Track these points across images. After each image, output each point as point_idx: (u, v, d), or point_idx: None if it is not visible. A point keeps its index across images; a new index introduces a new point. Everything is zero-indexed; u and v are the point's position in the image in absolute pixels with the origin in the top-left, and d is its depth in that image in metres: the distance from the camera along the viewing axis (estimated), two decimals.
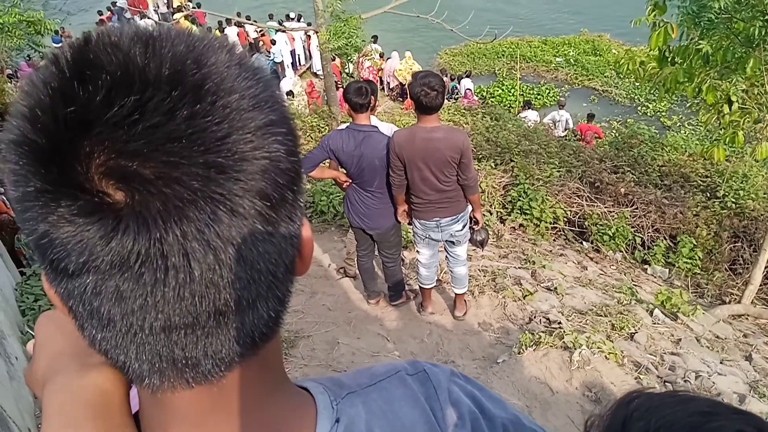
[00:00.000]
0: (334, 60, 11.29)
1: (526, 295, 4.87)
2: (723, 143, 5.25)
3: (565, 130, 11.93)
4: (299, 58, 16.55)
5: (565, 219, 7.38)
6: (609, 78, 16.40)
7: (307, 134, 10.32)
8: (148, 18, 16.08)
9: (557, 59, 17.77)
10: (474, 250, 5.45)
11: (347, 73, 15.56)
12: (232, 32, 15.91)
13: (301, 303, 4.85)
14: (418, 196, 3.87)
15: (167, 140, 0.40)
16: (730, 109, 4.93)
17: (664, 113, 14.81)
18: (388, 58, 15.44)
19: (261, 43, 16.01)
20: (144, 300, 0.42)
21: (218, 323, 0.45)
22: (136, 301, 0.42)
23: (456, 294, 4.55)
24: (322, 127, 10.59)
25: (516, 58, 16.69)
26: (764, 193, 7.61)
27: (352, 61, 14.45)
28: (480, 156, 8.20)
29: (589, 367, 3.64)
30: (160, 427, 0.52)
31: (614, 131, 12.38)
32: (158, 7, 18.30)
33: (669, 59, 5.10)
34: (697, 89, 4.96)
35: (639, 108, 15.26)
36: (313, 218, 6.83)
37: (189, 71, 0.42)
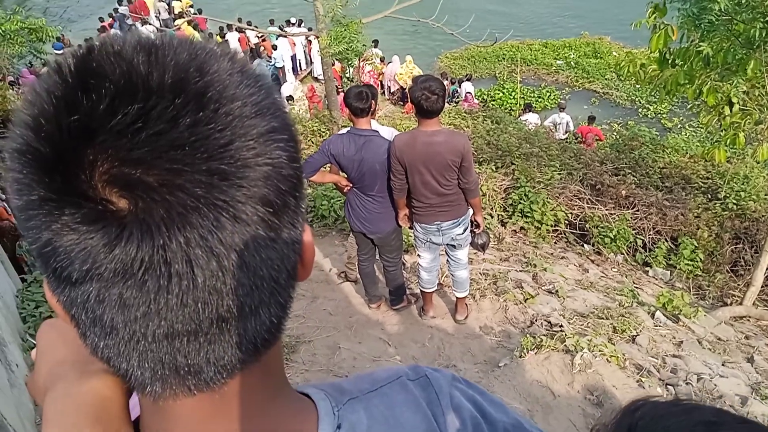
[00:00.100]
0: (333, 65, 11.30)
1: (527, 299, 4.87)
2: (724, 145, 5.25)
3: (566, 132, 11.94)
4: (300, 63, 16.57)
5: (566, 222, 7.37)
6: (610, 80, 16.42)
7: (308, 139, 10.34)
8: (150, 24, 16.11)
9: (558, 62, 17.78)
10: (475, 253, 5.46)
11: (348, 78, 15.58)
12: (233, 38, 15.95)
13: (302, 308, 4.85)
14: (419, 199, 3.87)
15: (170, 148, 0.40)
16: (731, 111, 4.93)
17: (664, 115, 14.81)
18: (388, 63, 15.47)
19: (262, 48, 16.04)
20: (147, 307, 0.42)
21: (221, 330, 0.45)
22: (139, 309, 0.42)
23: (457, 298, 4.55)
24: (323, 132, 10.61)
25: (516, 61, 16.71)
26: (765, 195, 7.61)
27: (353, 66, 14.48)
28: (481, 159, 8.20)
29: (591, 370, 3.63)
30: None
31: (615, 133, 12.38)
32: (159, 13, 18.33)
33: (669, 61, 5.11)
34: (697, 91, 4.96)
35: (640, 110, 15.27)
36: (314, 222, 6.84)
37: (192, 79, 0.42)
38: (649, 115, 14.94)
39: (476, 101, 14.69)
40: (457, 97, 14.49)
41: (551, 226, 7.23)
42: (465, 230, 4.05)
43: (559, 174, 7.90)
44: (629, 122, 13.64)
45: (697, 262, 6.80)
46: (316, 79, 15.63)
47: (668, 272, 6.86)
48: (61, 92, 0.41)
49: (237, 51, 0.50)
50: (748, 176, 7.78)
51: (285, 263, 0.48)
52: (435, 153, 3.63)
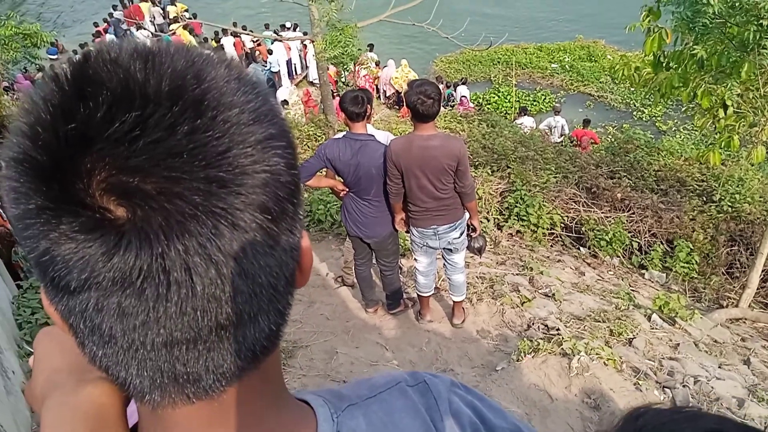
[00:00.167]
0: (327, 69, 11.31)
1: (524, 302, 4.87)
2: (718, 147, 5.28)
3: (561, 135, 11.97)
4: (296, 68, 16.58)
5: (562, 225, 7.39)
6: (604, 83, 16.46)
7: (304, 143, 10.34)
8: (145, 29, 16.08)
9: (553, 65, 17.82)
10: (472, 257, 5.45)
11: (343, 82, 15.59)
12: (228, 42, 15.95)
13: (299, 312, 4.84)
14: (416, 204, 3.88)
15: (168, 155, 0.40)
16: (725, 114, 4.95)
17: (659, 118, 14.86)
18: (384, 66, 15.49)
19: (258, 52, 16.05)
20: (146, 316, 0.42)
21: (220, 338, 0.45)
22: (138, 317, 0.42)
23: (454, 302, 4.55)
24: (319, 136, 10.62)
25: (512, 64, 16.75)
26: (760, 197, 7.63)
27: (348, 70, 14.49)
28: (477, 163, 8.21)
29: (588, 373, 3.63)
30: None
31: (610, 136, 12.41)
32: (154, 18, 18.32)
33: (664, 64, 5.13)
34: (692, 94, 4.98)
35: (634, 113, 15.31)
36: (311, 227, 6.83)
37: (189, 86, 0.42)
38: (643, 118, 14.98)
39: (471, 105, 14.71)
40: (453, 101, 14.51)
41: (547, 229, 7.24)
42: (461, 234, 4.06)
43: (555, 177, 7.92)
44: (624, 125, 13.69)
45: (692, 264, 6.82)
46: (312, 84, 15.63)
47: (664, 275, 6.88)
48: (57, 100, 0.41)
49: (234, 58, 0.50)
50: (742, 178, 7.81)
51: (283, 270, 0.48)
52: (431, 157, 3.63)
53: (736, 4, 4.44)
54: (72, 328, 0.46)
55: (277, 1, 11.83)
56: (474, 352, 4.33)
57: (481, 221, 5.40)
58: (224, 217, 0.41)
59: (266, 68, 15.16)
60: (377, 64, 15.55)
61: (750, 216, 7.26)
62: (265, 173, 0.44)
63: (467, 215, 4.06)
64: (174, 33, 14.27)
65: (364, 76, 14.94)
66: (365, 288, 4.71)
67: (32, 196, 0.40)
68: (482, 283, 5.28)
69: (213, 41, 16.44)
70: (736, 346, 4.96)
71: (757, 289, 6.10)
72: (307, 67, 16.48)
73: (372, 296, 4.76)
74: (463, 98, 14.46)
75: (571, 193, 7.64)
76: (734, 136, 4.99)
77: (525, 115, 13.00)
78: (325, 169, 4.06)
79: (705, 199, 7.79)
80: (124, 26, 17.27)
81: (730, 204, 7.40)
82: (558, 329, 4.32)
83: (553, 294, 5.14)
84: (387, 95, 15.53)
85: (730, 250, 7.07)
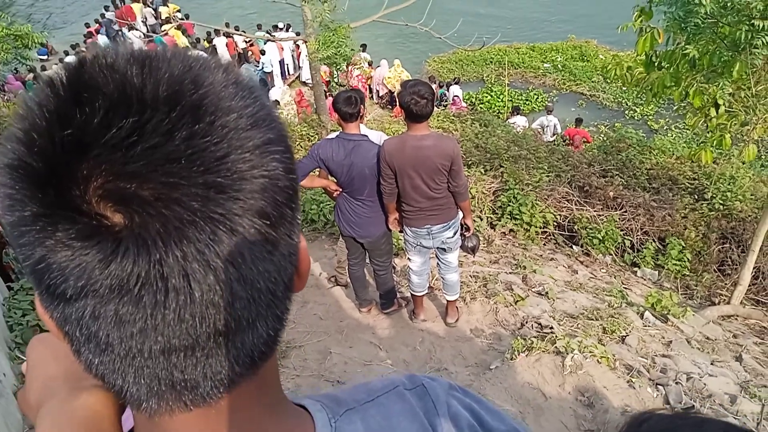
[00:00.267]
0: (320, 69, 11.32)
1: (517, 301, 4.88)
2: (710, 146, 5.30)
3: (554, 135, 12.00)
4: (288, 68, 16.55)
5: (555, 223, 7.41)
6: (596, 83, 16.53)
7: (297, 143, 10.32)
8: (136, 30, 16.01)
9: (545, 65, 17.88)
10: (465, 256, 5.46)
11: (335, 82, 15.58)
12: (220, 43, 15.90)
13: (293, 312, 4.75)
14: (409, 203, 3.88)
15: (166, 161, 0.39)
16: (717, 113, 4.98)
17: (651, 117, 14.93)
18: (377, 67, 15.48)
19: (250, 53, 16.01)
20: (144, 323, 0.42)
21: (218, 344, 0.44)
22: (135, 325, 0.42)
23: (447, 301, 4.55)
24: (312, 136, 10.61)
25: (504, 64, 16.80)
26: (751, 195, 7.68)
27: (340, 70, 14.48)
28: (470, 162, 8.23)
29: (582, 371, 3.65)
30: None
31: (602, 135, 12.47)
32: (146, 18, 18.21)
33: (656, 64, 5.14)
34: (684, 93, 5.00)
35: (626, 112, 15.39)
36: (304, 227, 6.82)
37: (187, 91, 0.42)
38: (635, 117, 15.05)
39: (464, 104, 14.73)
40: (446, 101, 14.53)
41: (540, 228, 7.26)
42: (455, 233, 4.06)
43: (548, 176, 7.94)
44: (616, 124, 13.73)
45: (684, 262, 6.85)
46: (305, 84, 15.62)
47: (656, 272, 6.91)
48: (53, 106, 0.40)
49: (231, 62, 0.50)
50: (734, 177, 7.85)
51: (282, 275, 0.47)
52: (424, 157, 3.63)
53: (728, 4, 4.46)
54: (67, 336, 0.45)
55: (270, 2, 11.80)
56: (468, 351, 4.33)
57: (474, 220, 5.41)
58: (223, 223, 0.41)
59: (259, 69, 15.12)
60: (370, 64, 15.55)
61: (741, 214, 7.30)
62: (263, 178, 0.43)
63: (461, 215, 4.06)
64: (166, 34, 14.23)
65: (357, 76, 14.94)
66: (359, 288, 4.70)
67: (27, 203, 0.40)
68: (476, 282, 5.29)
69: (205, 42, 16.39)
70: (728, 343, 4.99)
71: (749, 285, 6.13)
72: (299, 67, 16.46)
73: (365, 296, 4.76)
74: (455, 98, 14.47)
75: (563, 192, 7.66)
76: (726, 135, 5.01)
77: (517, 114, 13.03)
78: (318, 169, 4.06)
79: (697, 197, 7.83)
80: (116, 27, 17.16)
81: (721, 202, 7.44)
82: (551, 327, 4.34)
83: (547, 292, 5.16)
84: (380, 95, 15.53)
85: (722, 248, 7.11)
